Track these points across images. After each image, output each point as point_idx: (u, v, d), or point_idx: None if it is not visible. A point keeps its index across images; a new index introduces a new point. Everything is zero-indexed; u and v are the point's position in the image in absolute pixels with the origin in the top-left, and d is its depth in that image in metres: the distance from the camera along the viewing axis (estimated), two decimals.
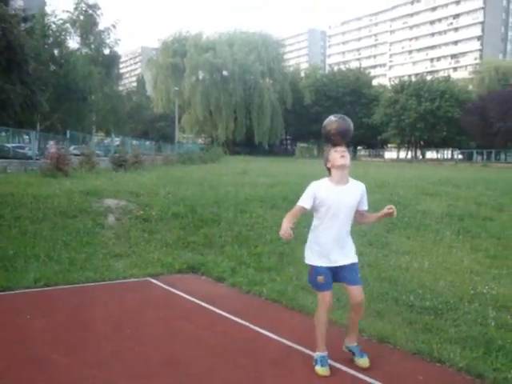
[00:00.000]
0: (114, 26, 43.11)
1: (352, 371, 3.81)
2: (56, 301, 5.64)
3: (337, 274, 3.81)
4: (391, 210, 3.72)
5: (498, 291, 6.00)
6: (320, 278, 3.73)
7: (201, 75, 64.94)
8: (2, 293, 5.81)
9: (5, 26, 18.79)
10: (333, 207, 3.71)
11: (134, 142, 38.12)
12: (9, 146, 21.80)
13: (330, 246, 3.76)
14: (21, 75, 20.63)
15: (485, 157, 57.45)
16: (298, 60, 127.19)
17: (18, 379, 3.54)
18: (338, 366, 3.92)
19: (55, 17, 35.32)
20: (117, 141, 33.62)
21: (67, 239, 8.05)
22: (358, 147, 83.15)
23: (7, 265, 6.67)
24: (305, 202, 3.72)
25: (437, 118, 59.42)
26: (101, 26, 42.58)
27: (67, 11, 40.00)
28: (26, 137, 24.63)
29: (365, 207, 3.88)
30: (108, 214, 9.71)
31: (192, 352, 4.12)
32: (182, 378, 3.63)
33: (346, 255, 3.81)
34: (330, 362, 3.88)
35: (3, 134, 22.19)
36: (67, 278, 6.40)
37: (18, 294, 5.82)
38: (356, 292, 3.80)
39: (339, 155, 3.77)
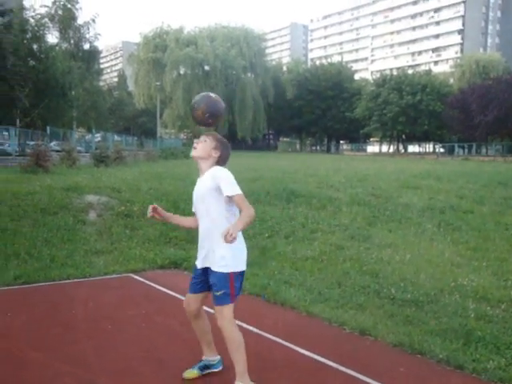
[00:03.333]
0: (93, 21, 42.56)
1: (333, 364, 3.83)
2: (36, 298, 5.58)
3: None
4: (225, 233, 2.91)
5: (478, 283, 6.09)
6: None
7: (182, 70, 64.61)
8: None
9: None
10: (194, 201, 3.42)
11: (116, 137, 37.87)
12: None
13: (199, 243, 3.40)
14: None
15: (466, 150, 58.07)
16: (280, 54, 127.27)
17: None
18: (318, 357, 3.93)
19: (34, 11, 34.81)
20: (98, 137, 33.33)
21: (48, 236, 7.96)
22: (341, 141, 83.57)
23: None
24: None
25: (418, 111, 59.86)
26: (80, 21, 41.98)
27: (45, 6, 39.50)
28: (5, 133, 24.28)
29: (225, 193, 3.14)
30: (89, 211, 9.63)
31: (174, 348, 4.10)
32: (164, 374, 3.61)
33: (202, 257, 3.36)
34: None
35: None
36: (48, 275, 6.33)
37: None
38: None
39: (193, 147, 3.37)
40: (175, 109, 63.51)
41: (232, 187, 3.14)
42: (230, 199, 3.18)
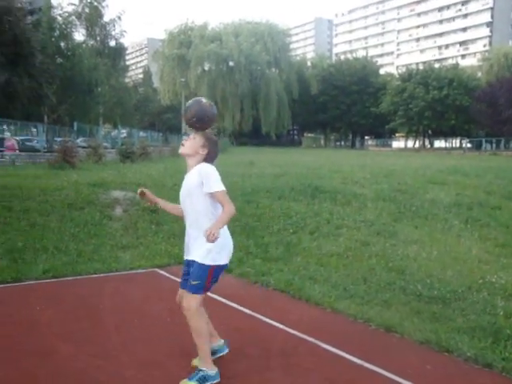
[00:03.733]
0: (119, 18, 43.02)
1: (358, 360, 3.80)
2: (64, 292, 5.67)
3: None
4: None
5: (507, 280, 5.97)
6: None
7: (207, 66, 64.84)
8: (12, 284, 5.85)
9: (11, 19, 18.78)
10: (181, 195, 3.50)
11: (141, 133, 38.20)
12: (17, 138, 21.90)
13: (185, 236, 3.53)
14: (28, 68, 20.65)
15: (494, 145, 57.00)
16: (304, 49, 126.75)
17: (25, 369, 3.57)
18: (343, 354, 3.91)
19: (61, 9, 35.37)
20: (123, 133, 33.70)
21: (75, 231, 8.09)
22: (366, 137, 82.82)
23: (16, 256, 6.71)
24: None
25: (445, 106, 58.96)
26: (106, 18, 42.51)
27: (72, 4, 39.99)
28: (33, 129, 24.73)
29: (206, 190, 3.26)
30: (115, 206, 9.75)
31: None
32: (189, 367, 3.63)
33: (188, 249, 3.49)
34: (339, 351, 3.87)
35: (12, 127, 22.32)
36: (75, 270, 6.43)
37: (28, 286, 5.85)
38: (182, 296, 3.50)
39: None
40: None
41: (214, 184, 3.25)
42: (212, 195, 3.28)
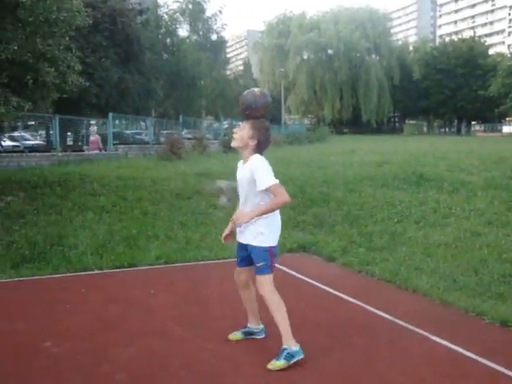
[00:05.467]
0: (220, 12, 44.13)
1: (472, 355, 3.65)
2: (175, 277, 5.98)
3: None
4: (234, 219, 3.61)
5: None
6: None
7: (305, 55, 64.54)
8: (128, 269, 6.27)
9: (123, 20, 19.92)
10: (238, 185, 3.66)
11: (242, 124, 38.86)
12: (128, 132, 23.26)
13: None
14: (138, 65, 21.83)
15: None
16: (406, 33, 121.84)
17: (145, 348, 3.82)
18: (455, 348, 3.78)
19: (167, 7, 36.91)
20: (225, 124, 34.51)
21: (183, 219, 8.48)
22: (472, 122, 78.27)
23: (131, 243, 7.17)
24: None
25: None
26: (208, 13, 43.70)
27: (177, 1, 41.50)
28: (142, 123, 26.10)
29: (259, 188, 3.40)
30: (220, 195, 10.07)
31: (304, 330, 4.15)
32: (305, 357, 3.64)
33: (241, 232, 3.66)
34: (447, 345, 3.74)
35: (123, 121, 23.75)
36: (184, 256, 6.74)
37: (142, 271, 6.25)
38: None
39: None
40: (299, 94, 63.78)
41: (265, 180, 3.37)
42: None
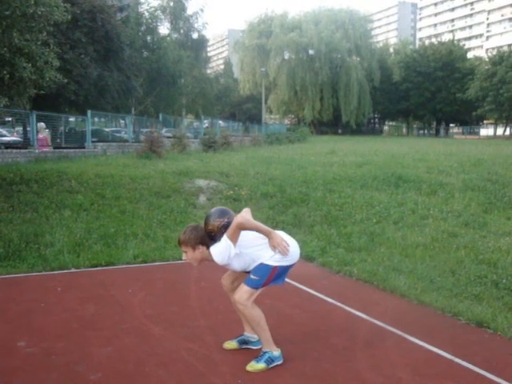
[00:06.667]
0: (201, 10, 44.18)
1: (449, 355, 3.69)
2: (154, 276, 5.93)
3: None
4: None
5: None
6: None
7: (286, 55, 64.56)
8: (106, 267, 6.20)
9: (103, 16, 19.67)
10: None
11: (222, 123, 38.80)
12: (107, 130, 22.99)
13: None
14: (117, 62, 21.59)
15: None
16: (386, 35, 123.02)
17: (122, 347, 3.78)
18: (432, 348, 3.81)
19: (148, 5, 36.61)
20: (206, 123, 34.39)
21: (162, 218, 8.41)
22: (451, 124, 79.34)
23: (109, 242, 7.09)
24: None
25: None
26: (189, 11, 43.50)
27: None
28: (122, 121, 25.83)
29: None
30: (199, 194, 10.02)
31: (283, 331, 4.16)
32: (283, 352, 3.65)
33: None
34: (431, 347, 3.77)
35: (102, 119, 23.41)
36: (163, 255, 6.70)
37: (120, 269, 6.18)
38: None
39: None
40: (279, 94, 63.81)
41: (223, 252, 3.32)
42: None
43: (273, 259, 3.40)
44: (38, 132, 14.79)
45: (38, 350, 3.73)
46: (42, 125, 15.24)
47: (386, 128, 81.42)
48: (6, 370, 3.40)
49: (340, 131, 65.88)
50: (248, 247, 3.41)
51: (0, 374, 3.33)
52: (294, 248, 3.51)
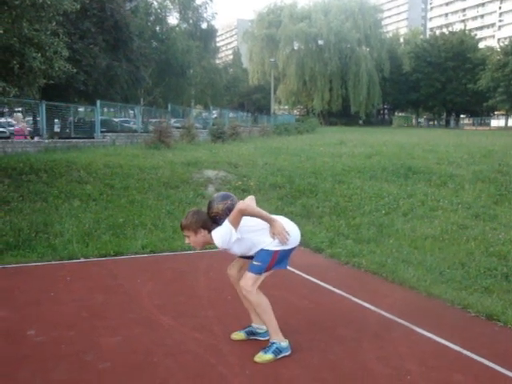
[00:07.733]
0: (210, 0, 43.66)
1: (457, 348, 3.67)
2: (162, 266, 5.94)
3: None
4: None
5: None
6: None
7: (296, 45, 64.19)
8: (114, 257, 6.23)
9: (112, 6, 19.61)
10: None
11: (231, 114, 38.75)
12: (116, 120, 23.05)
13: None
14: (126, 52, 21.55)
15: None
16: (396, 25, 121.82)
17: (131, 337, 3.79)
18: (440, 340, 3.79)
19: None
20: (214, 113, 34.34)
21: (170, 208, 8.42)
22: (461, 115, 78.68)
23: (118, 232, 7.11)
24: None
25: None
26: (198, 1, 43.30)
27: None
28: (131, 111, 25.87)
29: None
30: (208, 185, 10.02)
31: (291, 321, 4.16)
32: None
33: None
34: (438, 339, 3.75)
35: (111, 109, 23.43)
36: (171, 246, 6.72)
37: (128, 259, 6.20)
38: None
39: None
40: (288, 84, 63.55)
41: (224, 237, 3.34)
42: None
43: (273, 244, 3.45)
44: (15, 123, 14.52)
45: (48, 338, 3.76)
46: (18, 115, 15.01)
47: (395, 119, 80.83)
48: (16, 358, 3.43)
49: (349, 122, 65.45)
50: (249, 232, 3.44)
51: (10, 363, 3.36)
52: (294, 232, 3.55)
